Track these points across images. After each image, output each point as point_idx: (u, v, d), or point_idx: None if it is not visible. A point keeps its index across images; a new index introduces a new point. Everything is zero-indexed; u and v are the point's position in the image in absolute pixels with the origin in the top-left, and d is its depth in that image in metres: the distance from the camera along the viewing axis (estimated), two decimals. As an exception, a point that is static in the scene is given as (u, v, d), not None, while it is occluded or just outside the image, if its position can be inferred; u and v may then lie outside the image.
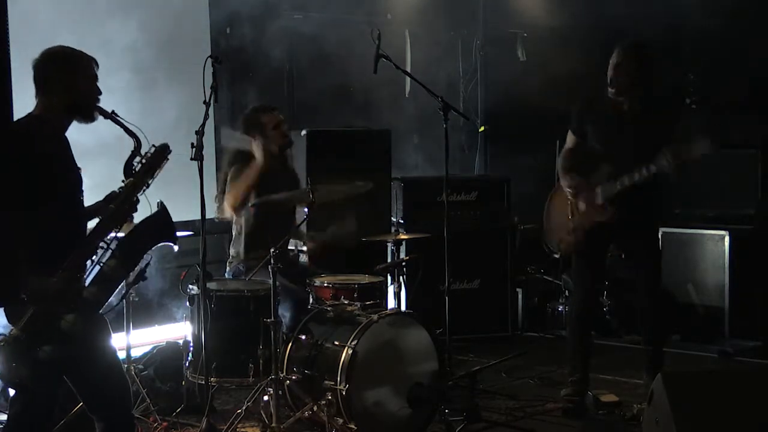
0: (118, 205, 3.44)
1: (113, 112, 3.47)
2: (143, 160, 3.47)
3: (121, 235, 3.45)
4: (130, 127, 3.47)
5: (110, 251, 3.37)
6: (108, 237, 3.39)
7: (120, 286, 3.69)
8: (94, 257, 3.36)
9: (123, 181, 3.48)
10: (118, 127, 3.47)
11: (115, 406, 3.48)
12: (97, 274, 3.36)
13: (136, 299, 4.82)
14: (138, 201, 3.48)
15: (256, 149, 5.06)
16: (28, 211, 3.22)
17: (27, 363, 3.19)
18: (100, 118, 3.48)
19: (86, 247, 3.35)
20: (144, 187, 3.48)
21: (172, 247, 3.61)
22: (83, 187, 3.52)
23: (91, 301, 3.33)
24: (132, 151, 3.46)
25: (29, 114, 3.43)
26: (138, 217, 3.57)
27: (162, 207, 3.54)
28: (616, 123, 4.82)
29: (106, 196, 3.54)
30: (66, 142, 3.48)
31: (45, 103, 3.41)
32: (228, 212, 5.06)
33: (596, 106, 4.95)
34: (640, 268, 5.04)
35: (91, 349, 3.38)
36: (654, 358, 5.00)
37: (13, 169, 3.23)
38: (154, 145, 3.50)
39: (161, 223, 3.54)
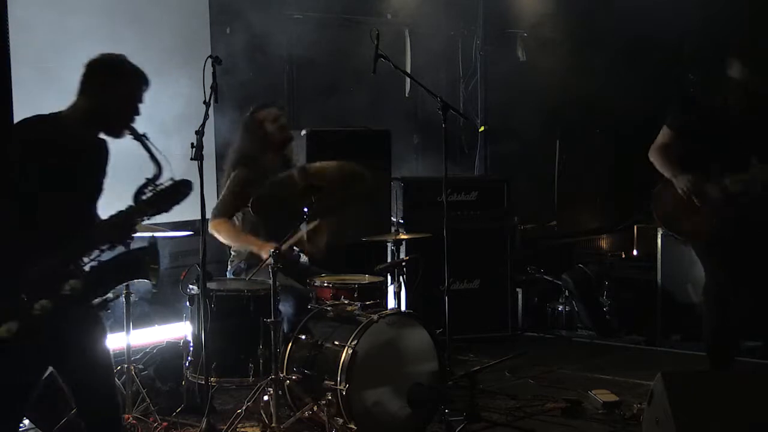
0: (108, 226, 3.29)
1: (144, 134, 3.34)
2: (154, 190, 3.31)
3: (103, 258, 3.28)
4: (157, 155, 3.33)
5: (81, 271, 3.21)
6: (92, 255, 3.23)
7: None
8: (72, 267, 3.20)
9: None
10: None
11: (100, 405, 3.34)
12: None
13: (136, 299, 4.81)
14: (135, 230, 3.33)
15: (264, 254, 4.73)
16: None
17: None
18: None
19: (66, 253, 3.19)
20: (143, 217, 3.31)
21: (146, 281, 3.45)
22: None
23: (34, 314, 3.07)
24: (148, 178, 3.31)
25: (57, 112, 3.34)
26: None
27: (151, 244, 3.39)
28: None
29: (111, 216, 3.36)
30: (84, 147, 3.34)
31: (75, 104, 3.36)
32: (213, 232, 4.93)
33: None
34: None
35: (74, 343, 3.24)
36: None
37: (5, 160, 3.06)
38: (172, 178, 3.33)
39: (144, 260, 3.38)
